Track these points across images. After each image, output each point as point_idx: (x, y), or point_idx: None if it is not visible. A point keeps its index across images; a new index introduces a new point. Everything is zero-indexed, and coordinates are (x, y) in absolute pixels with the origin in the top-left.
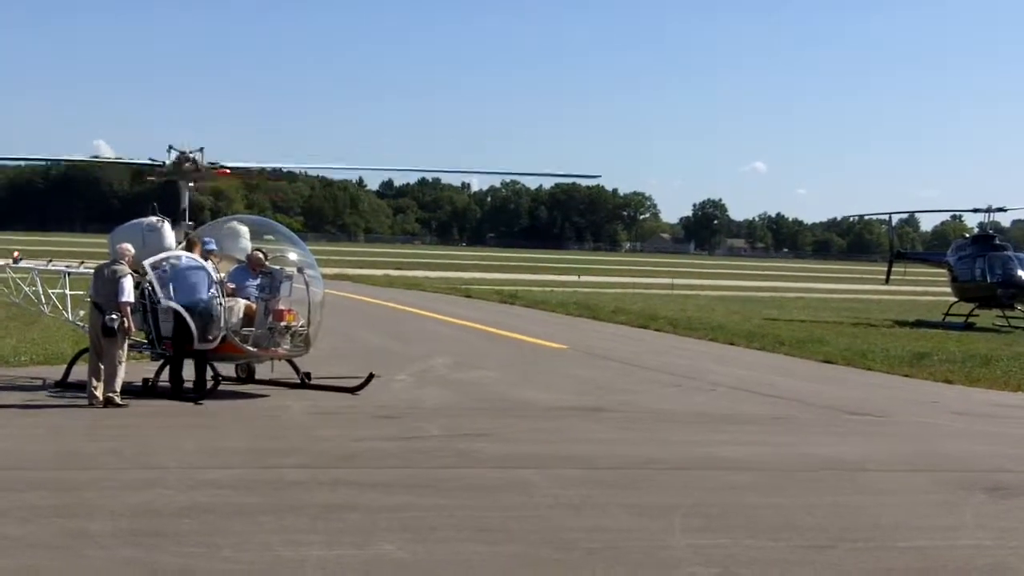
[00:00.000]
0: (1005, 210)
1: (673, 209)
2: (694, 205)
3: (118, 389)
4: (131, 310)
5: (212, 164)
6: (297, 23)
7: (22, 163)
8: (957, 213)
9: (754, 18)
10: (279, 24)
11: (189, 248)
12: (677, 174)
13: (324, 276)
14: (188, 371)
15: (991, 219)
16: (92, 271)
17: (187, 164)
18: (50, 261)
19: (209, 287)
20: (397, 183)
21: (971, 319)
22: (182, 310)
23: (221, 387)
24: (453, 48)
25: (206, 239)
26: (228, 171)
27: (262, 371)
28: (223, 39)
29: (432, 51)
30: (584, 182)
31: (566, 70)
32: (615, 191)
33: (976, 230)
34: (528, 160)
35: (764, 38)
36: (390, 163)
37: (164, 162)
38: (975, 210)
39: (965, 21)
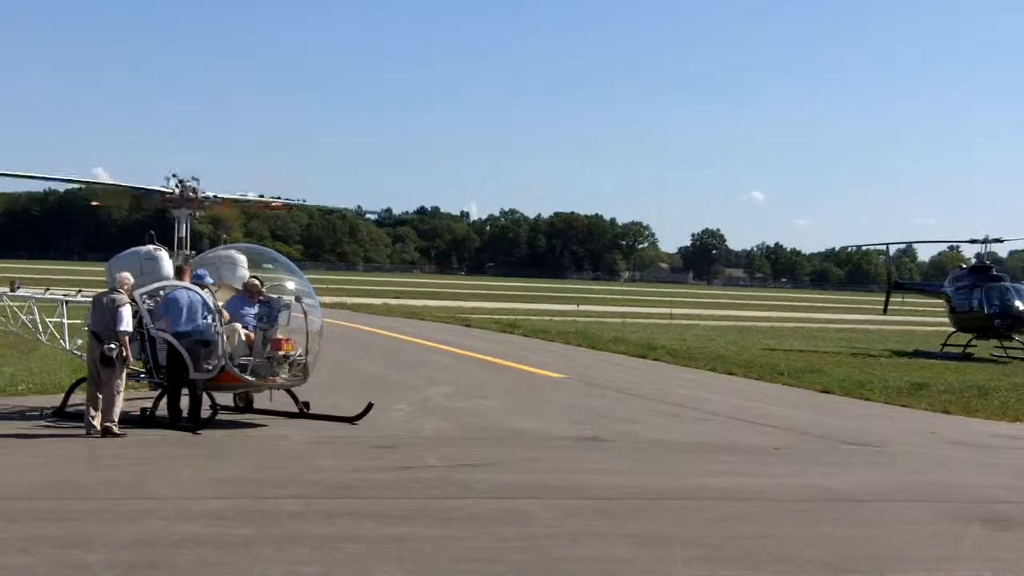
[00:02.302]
0: (1002, 241)
1: (672, 238)
2: (693, 235)
3: (116, 419)
4: (129, 339)
5: (209, 195)
6: (300, 52)
7: (22, 181)
8: (955, 244)
9: (753, 49)
10: (281, 53)
11: (179, 276)
12: (676, 203)
13: (323, 305)
14: (186, 401)
15: (988, 250)
16: (90, 300)
17: (186, 193)
18: (47, 289)
19: (207, 316)
20: (396, 212)
21: (969, 349)
22: (174, 340)
23: (219, 417)
24: (454, 77)
25: (200, 271)
26: (226, 200)
27: (260, 401)
28: (223, 68)
29: (433, 80)
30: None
31: (565, 100)
32: (613, 220)
33: (974, 261)
34: (527, 189)
35: (763, 69)
36: (388, 192)
37: (163, 190)
38: (972, 241)
39: (965, 52)
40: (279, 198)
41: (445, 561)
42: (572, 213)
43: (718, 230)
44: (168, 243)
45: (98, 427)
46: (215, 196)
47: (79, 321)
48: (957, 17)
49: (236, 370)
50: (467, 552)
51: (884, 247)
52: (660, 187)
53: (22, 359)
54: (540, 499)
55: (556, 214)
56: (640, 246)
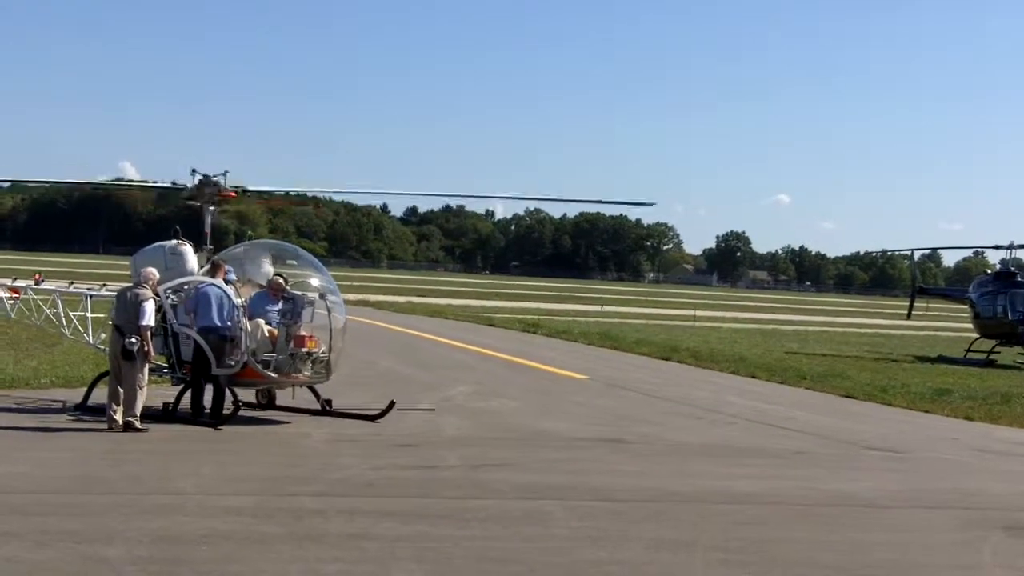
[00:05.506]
0: None
1: (697, 240)
2: (717, 237)
3: (138, 413)
4: (152, 334)
5: (235, 187)
6: (327, 50)
7: (47, 185)
8: (980, 249)
9: (779, 52)
10: (306, 48)
11: (214, 271)
12: (702, 205)
13: (346, 302)
14: (208, 397)
15: (1013, 255)
16: (114, 294)
17: (210, 188)
18: (71, 283)
19: (231, 311)
20: (421, 210)
21: (992, 356)
22: (198, 337)
23: (241, 413)
24: (481, 76)
25: (227, 267)
26: (249, 194)
27: (283, 397)
28: (250, 62)
29: (460, 78)
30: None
31: (592, 100)
32: (639, 221)
33: (998, 267)
34: (553, 189)
35: (791, 71)
36: (416, 188)
37: (187, 185)
38: (997, 246)
39: (994, 57)
40: (305, 195)
41: (464, 561)
42: (597, 213)
43: (743, 232)
44: (193, 238)
45: (119, 421)
46: (241, 190)
47: (103, 315)
48: (986, 20)
49: (259, 366)
50: (486, 552)
51: (909, 252)
52: (686, 189)
53: (46, 352)
54: (560, 500)
55: (581, 214)
56: (665, 247)
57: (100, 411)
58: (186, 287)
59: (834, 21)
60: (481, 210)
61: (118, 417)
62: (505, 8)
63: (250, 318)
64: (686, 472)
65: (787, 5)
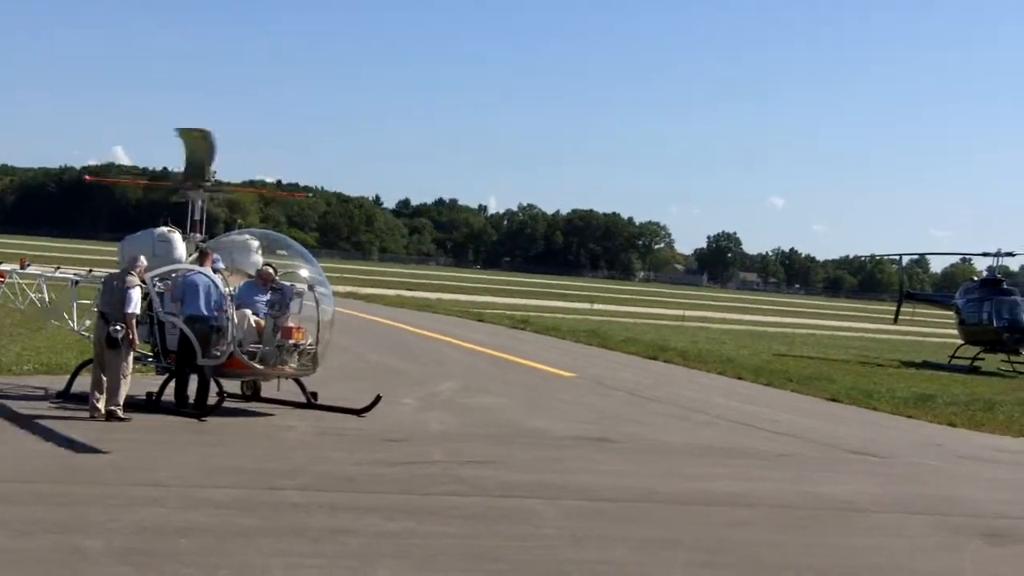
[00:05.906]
0: (1014, 255)
1: (688, 240)
2: (708, 237)
3: (121, 402)
4: (137, 322)
5: (222, 181)
6: (323, 41)
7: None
8: (967, 256)
9: (776, 55)
10: (300, 39)
11: (201, 260)
12: (696, 205)
13: (335, 294)
14: (193, 387)
15: (1000, 263)
16: (101, 280)
17: (200, 176)
18: (58, 268)
19: (218, 301)
20: (414, 202)
21: (977, 362)
22: (183, 325)
23: (225, 404)
24: (479, 71)
25: (214, 256)
26: (241, 184)
27: (268, 389)
28: (244, 51)
29: (458, 73)
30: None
31: (588, 99)
32: (631, 219)
33: (985, 273)
34: (546, 186)
35: (787, 74)
36: (407, 182)
37: (179, 171)
38: (985, 254)
39: (987, 67)
40: (296, 185)
41: (447, 558)
42: (590, 211)
43: (734, 233)
44: (183, 226)
45: (102, 410)
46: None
47: (88, 301)
48: (981, 29)
49: (244, 357)
50: (469, 549)
51: (898, 257)
52: (681, 188)
53: (29, 338)
54: (544, 499)
55: (574, 211)
56: (656, 247)
57: (83, 399)
58: (173, 275)
59: (833, 27)
60: (474, 204)
61: (100, 406)
62: (505, 7)
63: (237, 308)
64: (671, 472)
65: (785, 8)
